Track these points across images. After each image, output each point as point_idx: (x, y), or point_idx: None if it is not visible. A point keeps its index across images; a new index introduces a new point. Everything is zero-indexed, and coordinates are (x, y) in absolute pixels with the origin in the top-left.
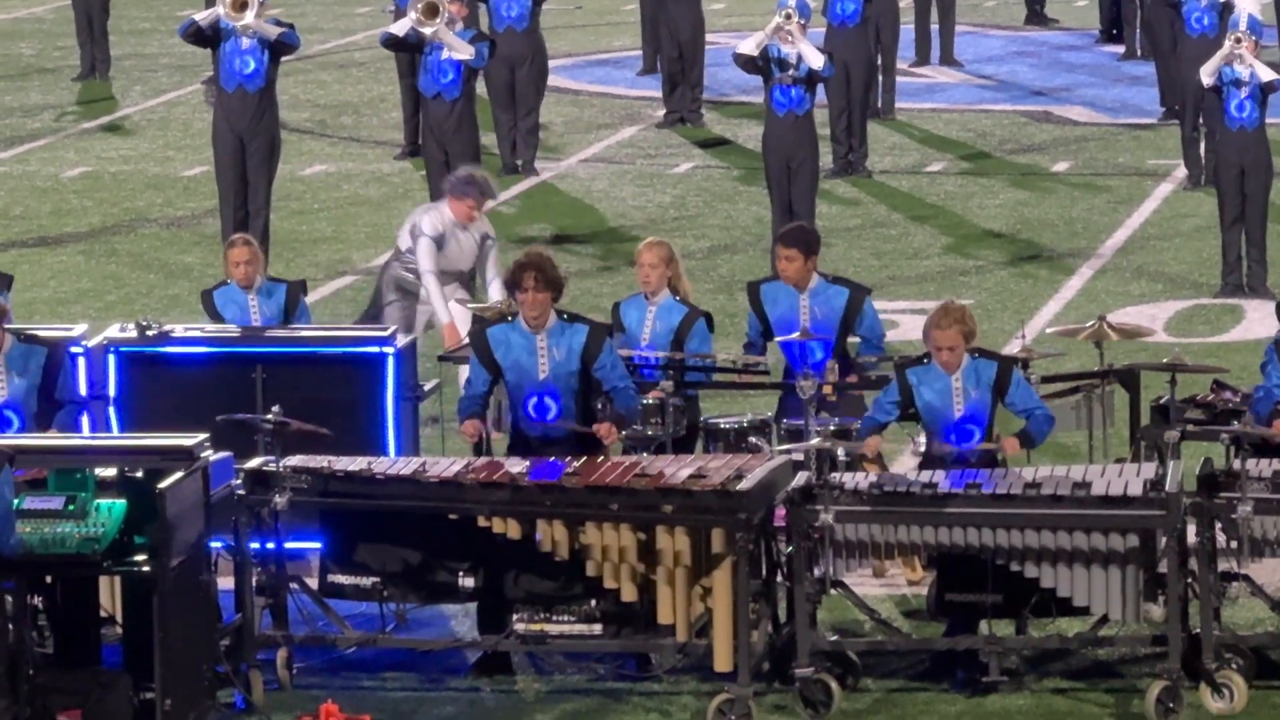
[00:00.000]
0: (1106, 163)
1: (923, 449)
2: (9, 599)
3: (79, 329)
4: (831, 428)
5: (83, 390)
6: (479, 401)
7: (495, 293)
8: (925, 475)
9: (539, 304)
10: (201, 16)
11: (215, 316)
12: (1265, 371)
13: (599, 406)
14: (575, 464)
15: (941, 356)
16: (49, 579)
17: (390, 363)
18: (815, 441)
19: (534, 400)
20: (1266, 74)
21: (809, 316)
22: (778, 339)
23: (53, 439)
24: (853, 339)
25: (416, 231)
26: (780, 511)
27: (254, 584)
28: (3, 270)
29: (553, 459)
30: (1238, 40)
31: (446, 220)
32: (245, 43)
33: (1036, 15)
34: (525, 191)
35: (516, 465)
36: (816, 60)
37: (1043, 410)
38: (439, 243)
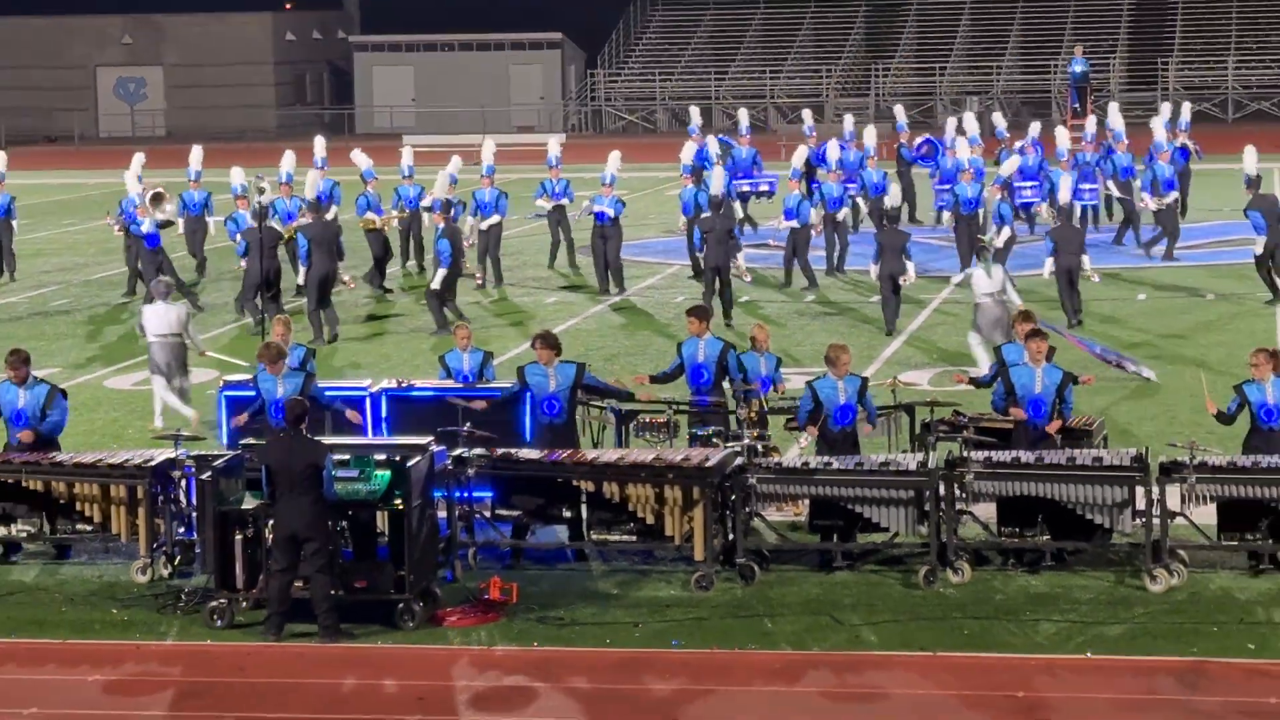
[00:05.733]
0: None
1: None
2: (331, 522)
3: (366, 382)
4: (754, 434)
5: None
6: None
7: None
8: (810, 459)
9: (546, 357)
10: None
11: (447, 369)
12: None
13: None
14: (623, 452)
15: (841, 369)
16: (350, 513)
17: (527, 397)
18: (745, 442)
19: (546, 402)
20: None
21: (704, 355)
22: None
23: (352, 440)
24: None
25: None
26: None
27: (457, 514)
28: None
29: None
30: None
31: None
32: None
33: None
34: (611, 303)
35: (591, 453)
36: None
37: (875, 410)
38: None
